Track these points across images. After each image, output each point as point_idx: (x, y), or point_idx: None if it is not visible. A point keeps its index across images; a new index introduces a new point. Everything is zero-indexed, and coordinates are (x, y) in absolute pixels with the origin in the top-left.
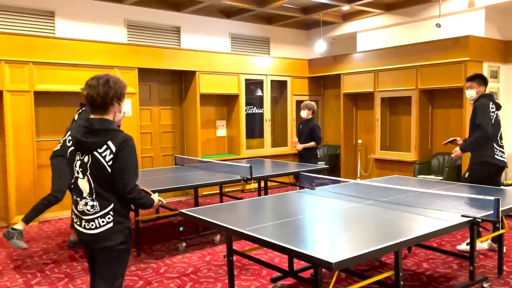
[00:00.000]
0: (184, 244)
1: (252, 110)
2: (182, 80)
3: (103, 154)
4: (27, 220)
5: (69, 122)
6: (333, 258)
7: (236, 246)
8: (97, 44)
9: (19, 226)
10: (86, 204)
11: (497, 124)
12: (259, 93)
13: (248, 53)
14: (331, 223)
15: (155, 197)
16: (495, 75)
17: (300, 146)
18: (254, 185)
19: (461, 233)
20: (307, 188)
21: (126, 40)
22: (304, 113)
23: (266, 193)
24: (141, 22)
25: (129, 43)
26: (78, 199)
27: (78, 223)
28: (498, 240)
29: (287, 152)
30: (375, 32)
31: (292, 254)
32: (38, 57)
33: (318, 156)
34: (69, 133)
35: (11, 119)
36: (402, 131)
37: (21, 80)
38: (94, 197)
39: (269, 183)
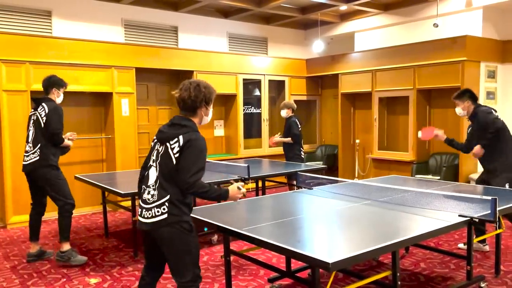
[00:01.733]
0: None
1: (250, 110)
2: (180, 80)
3: (172, 146)
4: (66, 237)
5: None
6: (330, 259)
7: (233, 246)
8: (94, 43)
9: (66, 247)
10: (148, 193)
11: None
12: (257, 93)
13: (246, 53)
14: (328, 223)
15: (233, 187)
16: (492, 75)
17: (275, 140)
18: (252, 185)
19: (458, 233)
20: (304, 188)
21: (123, 39)
22: (284, 113)
23: (263, 193)
24: (138, 22)
25: (126, 43)
26: (144, 186)
27: (139, 213)
28: (496, 239)
29: None
30: (372, 32)
31: (290, 254)
32: (35, 56)
33: (303, 156)
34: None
35: (8, 119)
36: (400, 131)
37: (18, 79)
38: (156, 187)
39: (266, 183)
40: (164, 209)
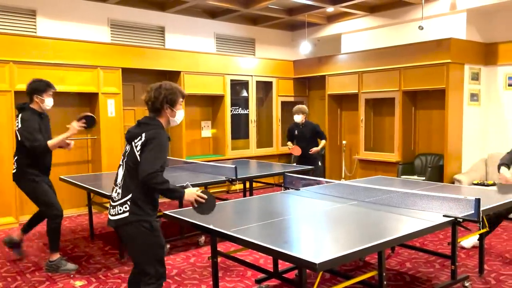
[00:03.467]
0: (168, 246)
1: (238, 111)
2: (167, 80)
3: (136, 144)
4: (54, 247)
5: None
6: (317, 259)
7: (221, 247)
8: (80, 43)
9: (55, 256)
10: (115, 191)
11: None
12: (244, 93)
13: (233, 53)
14: (315, 224)
15: (189, 191)
16: (476, 77)
17: (316, 149)
18: (239, 186)
19: (443, 233)
20: (291, 188)
21: (109, 39)
22: (299, 118)
23: (251, 194)
24: (125, 22)
25: (112, 43)
26: (114, 185)
27: (108, 211)
28: (479, 239)
29: (272, 153)
30: (359, 34)
31: (277, 255)
32: (19, 56)
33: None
34: None
35: None
36: (386, 132)
37: (1, 79)
38: (121, 185)
39: (254, 184)
40: (126, 207)
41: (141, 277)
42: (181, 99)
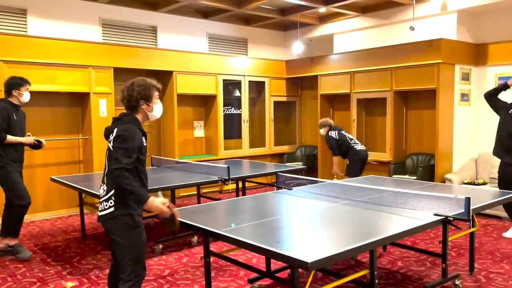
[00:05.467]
0: (160, 246)
1: (230, 111)
2: (158, 80)
3: (110, 139)
4: (17, 233)
5: (42, 122)
6: (309, 258)
7: (213, 247)
8: (71, 43)
9: (13, 242)
10: (102, 188)
11: None
12: (237, 93)
13: (226, 53)
14: (308, 223)
15: (155, 198)
16: (466, 77)
17: (337, 170)
18: (232, 186)
19: (434, 232)
20: (284, 188)
21: (101, 39)
22: (322, 131)
23: (244, 194)
24: (116, 21)
25: (104, 42)
26: (101, 182)
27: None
28: (470, 238)
29: (265, 152)
30: (351, 34)
31: (269, 255)
32: (9, 55)
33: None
34: None
35: None
36: (378, 131)
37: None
38: (106, 181)
39: (247, 184)
40: (111, 203)
41: (119, 274)
42: (156, 93)
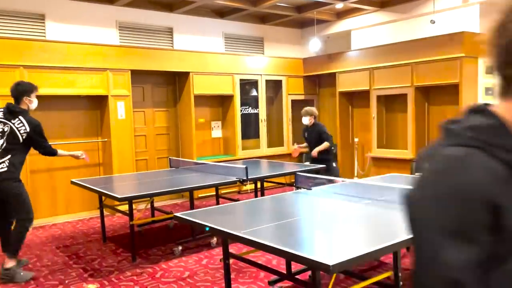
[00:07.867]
0: (180, 247)
1: (247, 111)
2: (176, 82)
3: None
4: (17, 253)
5: (62, 126)
6: (330, 260)
7: (233, 248)
8: (88, 46)
9: (10, 264)
10: None
11: None
12: (254, 93)
13: (242, 53)
14: (328, 224)
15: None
16: (491, 70)
17: (315, 151)
18: (250, 186)
19: None
20: (303, 188)
21: (118, 41)
22: (306, 120)
23: (262, 194)
24: (133, 23)
25: (121, 45)
26: None
27: None
28: None
29: (283, 152)
30: (369, 30)
31: (289, 257)
32: (29, 60)
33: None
34: None
35: None
36: (399, 128)
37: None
38: None
39: (265, 184)
40: None
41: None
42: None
